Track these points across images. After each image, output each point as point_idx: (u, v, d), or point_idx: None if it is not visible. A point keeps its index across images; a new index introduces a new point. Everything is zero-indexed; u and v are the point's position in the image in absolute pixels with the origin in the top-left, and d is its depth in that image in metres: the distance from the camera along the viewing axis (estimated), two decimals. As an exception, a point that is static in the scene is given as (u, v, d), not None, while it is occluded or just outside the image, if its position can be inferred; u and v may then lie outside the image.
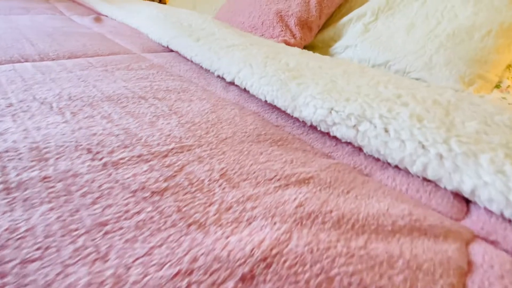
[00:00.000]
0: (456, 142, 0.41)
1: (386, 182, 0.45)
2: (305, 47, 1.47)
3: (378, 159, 0.49)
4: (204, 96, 0.66)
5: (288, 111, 0.59)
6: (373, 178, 0.46)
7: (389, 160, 0.46)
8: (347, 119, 0.50)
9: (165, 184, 0.36)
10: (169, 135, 0.47)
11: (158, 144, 0.44)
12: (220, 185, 0.37)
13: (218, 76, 0.77)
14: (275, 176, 0.40)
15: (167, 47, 1.00)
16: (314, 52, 1.43)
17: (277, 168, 0.42)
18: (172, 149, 0.43)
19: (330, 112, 0.52)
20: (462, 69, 0.96)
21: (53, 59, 0.80)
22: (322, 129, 0.54)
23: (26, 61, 0.77)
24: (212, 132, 0.50)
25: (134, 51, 1.00)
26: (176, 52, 0.96)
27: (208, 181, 0.37)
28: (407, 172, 0.46)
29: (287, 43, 1.35)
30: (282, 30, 1.41)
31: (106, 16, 1.58)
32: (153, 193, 0.34)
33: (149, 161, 0.40)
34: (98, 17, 1.50)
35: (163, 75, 0.75)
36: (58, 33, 1.04)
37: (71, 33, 1.08)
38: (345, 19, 1.43)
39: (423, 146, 0.42)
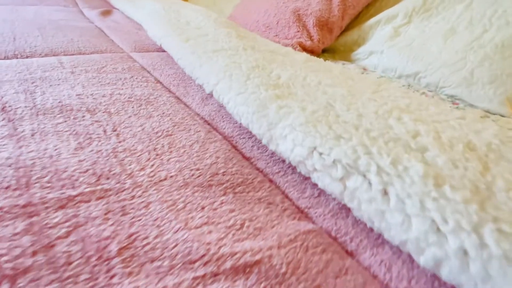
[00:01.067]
0: (494, 232, 0.25)
1: (378, 272, 0.30)
2: (324, 51, 1.30)
3: (372, 229, 0.34)
4: (170, 110, 0.55)
5: (264, 142, 0.45)
6: (358, 263, 0.31)
7: (386, 236, 0.31)
8: (332, 166, 0.36)
9: (28, 262, 0.24)
10: (86, 171, 0.35)
11: (62, 187, 0.32)
12: (108, 271, 0.25)
13: (200, 86, 0.65)
14: (203, 256, 0.27)
15: (161, 46, 0.90)
16: (334, 57, 1.27)
17: (213, 239, 0.30)
18: (77, 195, 0.32)
19: (312, 152, 0.38)
20: (510, 89, 0.76)
21: (27, 57, 0.73)
22: (302, 173, 0.40)
23: (-3, 57, 0.70)
24: (149, 167, 0.39)
25: (124, 49, 0.91)
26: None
27: (97, 259, 0.25)
28: (412, 259, 0.31)
29: (302, 46, 1.19)
30: (298, 31, 1.26)
31: (118, 9, 1.53)
32: (3, 277, 0.23)
33: (32, 215, 0.29)
34: (107, 11, 1.44)
35: (136, 81, 0.65)
36: (50, 27, 0.99)
37: (65, 27, 1.02)
38: (372, 20, 1.24)
39: (438, 229, 0.27)
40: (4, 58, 0.71)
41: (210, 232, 0.30)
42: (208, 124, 0.55)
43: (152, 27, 0.97)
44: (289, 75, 0.58)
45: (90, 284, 0.24)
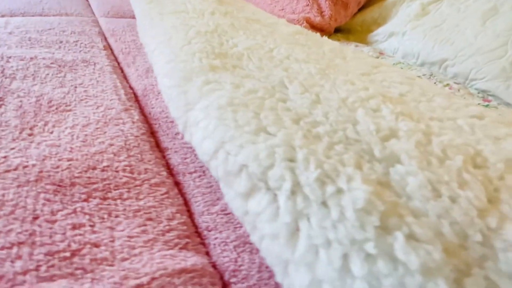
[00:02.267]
0: None
1: None
2: (337, 31, 1.12)
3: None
4: (94, 81, 0.44)
5: (180, 128, 0.33)
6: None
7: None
8: (237, 174, 0.23)
9: None
10: None
11: None
12: None
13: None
14: None
15: (139, 12, 0.79)
16: (348, 38, 1.08)
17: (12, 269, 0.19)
18: None
19: (218, 150, 0.25)
20: None
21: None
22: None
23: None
24: (8, 151, 0.28)
25: (95, 14, 0.81)
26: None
27: None
28: None
29: (310, 22, 1.02)
30: (307, 5, 1.08)
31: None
32: None
33: None
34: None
35: (78, 46, 0.55)
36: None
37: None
38: None
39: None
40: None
41: (2, 261, 0.19)
42: (137, 101, 0.43)
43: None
44: (249, 45, 0.44)
45: None
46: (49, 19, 0.67)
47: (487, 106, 0.65)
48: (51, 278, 0.20)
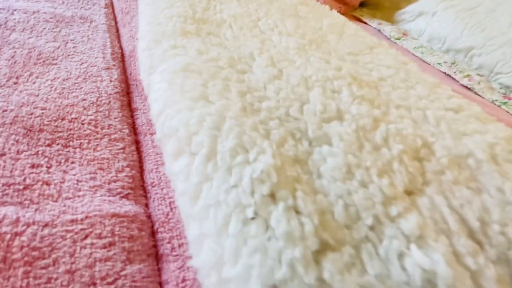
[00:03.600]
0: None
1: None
2: (363, 5, 1.04)
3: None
4: (86, 38, 0.46)
5: (145, 91, 0.35)
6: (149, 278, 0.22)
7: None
8: (169, 138, 0.24)
9: None
10: None
11: None
12: None
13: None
14: None
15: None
16: (374, 14, 1.00)
17: None
18: None
19: (162, 113, 0.27)
20: None
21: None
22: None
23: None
24: (-14, 95, 0.32)
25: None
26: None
27: None
28: None
29: (332, -7, 0.95)
30: (332, -27, 1.01)
31: None
32: None
33: None
34: None
35: (82, 2, 0.57)
36: None
37: None
38: None
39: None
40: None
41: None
42: (122, 61, 0.46)
43: None
44: (236, 12, 0.44)
45: None
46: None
47: (505, 103, 0.59)
48: (2, 204, 0.24)
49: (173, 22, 0.37)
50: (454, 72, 0.67)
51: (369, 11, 1.01)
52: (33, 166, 0.27)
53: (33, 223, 0.23)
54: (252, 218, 0.18)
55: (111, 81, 0.39)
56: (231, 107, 0.26)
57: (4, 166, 0.26)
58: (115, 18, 0.57)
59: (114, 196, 0.27)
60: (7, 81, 0.35)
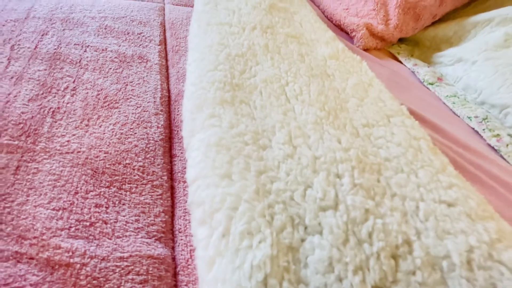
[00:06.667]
0: None
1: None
2: (402, 40, 1.05)
3: None
4: (142, 80, 0.55)
5: (185, 147, 0.43)
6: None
7: None
8: (197, 206, 0.32)
9: None
10: (18, 124, 0.41)
11: (-15, 133, 0.39)
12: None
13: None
14: (32, 238, 0.31)
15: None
16: (412, 52, 1.01)
17: (47, 227, 0.32)
18: (-11, 144, 0.38)
19: (194, 181, 0.35)
20: None
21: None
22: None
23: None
24: (70, 136, 0.42)
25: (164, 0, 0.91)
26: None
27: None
28: None
29: (370, 30, 0.97)
30: (374, 9, 1.04)
31: None
32: None
33: None
34: None
35: (139, 39, 0.66)
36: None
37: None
38: (480, 16, 0.94)
39: None
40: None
41: (52, 218, 0.33)
42: (168, 105, 0.54)
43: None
44: (268, 76, 0.50)
45: None
46: (125, 4, 0.79)
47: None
48: (75, 237, 0.33)
49: (214, 88, 0.45)
50: (483, 130, 0.65)
51: (407, 48, 1.02)
52: (96, 206, 0.36)
53: (95, 257, 0.32)
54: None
55: (158, 127, 0.48)
56: (247, 188, 0.32)
57: (77, 204, 0.36)
58: (166, 56, 0.66)
59: (150, 238, 0.36)
60: (81, 122, 0.45)
